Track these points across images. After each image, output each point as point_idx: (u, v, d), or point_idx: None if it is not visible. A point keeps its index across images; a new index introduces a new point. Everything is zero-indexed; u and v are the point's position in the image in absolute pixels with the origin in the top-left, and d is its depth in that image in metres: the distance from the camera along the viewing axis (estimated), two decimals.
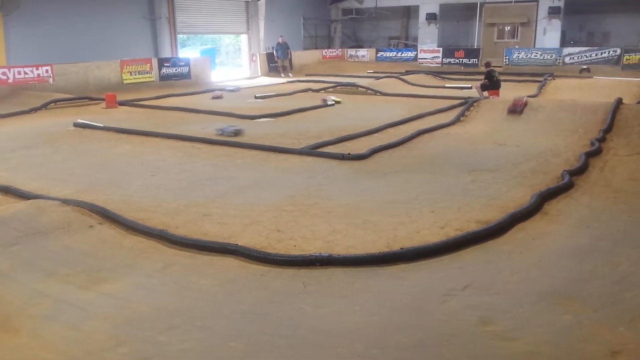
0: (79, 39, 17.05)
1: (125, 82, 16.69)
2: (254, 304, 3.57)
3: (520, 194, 5.77)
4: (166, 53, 19.68)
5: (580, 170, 6.53)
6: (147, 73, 17.41)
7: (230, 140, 8.72)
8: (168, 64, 18.13)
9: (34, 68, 14.75)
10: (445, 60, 23.43)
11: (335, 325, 3.24)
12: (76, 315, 3.38)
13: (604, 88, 14.89)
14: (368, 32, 29.45)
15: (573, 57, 20.91)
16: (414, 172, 6.90)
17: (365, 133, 9.20)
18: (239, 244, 4.45)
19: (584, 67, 17.99)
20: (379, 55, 25.60)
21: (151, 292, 3.75)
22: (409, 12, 27.70)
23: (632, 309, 3.25)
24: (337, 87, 16.65)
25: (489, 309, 3.37)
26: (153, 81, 17.45)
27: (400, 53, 25.33)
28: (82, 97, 13.97)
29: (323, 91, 15.97)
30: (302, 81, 19.03)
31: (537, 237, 4.64)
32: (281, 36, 22.25)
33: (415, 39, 26.48)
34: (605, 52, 20.45)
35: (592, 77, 17.77)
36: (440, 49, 23.97)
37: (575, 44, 22.68)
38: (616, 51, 20.20)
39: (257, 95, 14.94)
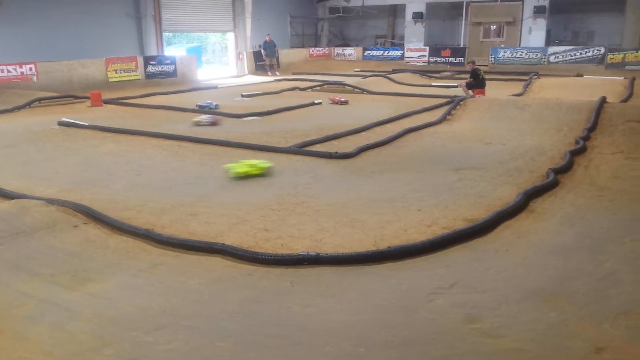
0: (63, 36, 16.88)
1: (110, 80, 16.56)
2: (241, 304, 3.56)
3: (506, 192, 5.81)
4: (152, 51, 19.55)
5: (565, 169, 6.59)
6: (132, 71, 17.29)
7: (216, 139, 8.67)
8: (154, 62, 18.02)
9: (18, 66, 14.61)
10: (432, 59, 23.56)
11: (323, 324, 3.24)
12: (61, 316, 3.34)
13: (588, 87, 15.05)
14: (355, 30, 29.50)
15: (558, 56, 21.13)
16: (401, 170, 6.92)
17: (353, 132, 9.20)
18: (226, 243, 4.43)
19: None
20: (365, 53, 25.68)
21: (137, 292, 3.72)
22: (396, 11, 27.81)
23: (617, 306, 3.29)
24: (324, 86, 16.65)
25: (475, 306, 3.38)
26: (139, 79, 17.34)
27: (387, 52, 25.43)
28: (67, 96, 13.86)
29: (310, 89, 15.97)
30: (289, 79, 19.00)
31: (523, 235, 4.67)
32: (268, 34, 22.20)
33: (402, 38, 26.58)
34: (589, 51, 20.68)
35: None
36: (427, 47, 24.09)
37: (560, 43, 22.92)
38: (600, 50, 20.44)
39: (243, 93, 14.89)
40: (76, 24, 17.35)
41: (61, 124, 10.17)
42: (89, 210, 5.19)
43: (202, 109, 11.78)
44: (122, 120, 10.86)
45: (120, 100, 13.57)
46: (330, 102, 13.35)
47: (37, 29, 16.26)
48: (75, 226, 4.92)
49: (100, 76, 16.37)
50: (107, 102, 13.28)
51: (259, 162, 6.70)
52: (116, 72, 16.80)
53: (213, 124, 9.96)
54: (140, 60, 17.62)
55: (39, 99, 12.96)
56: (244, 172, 6.49)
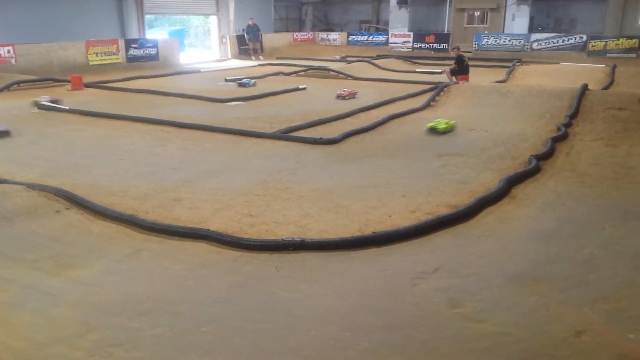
0: (42, 18, 16.53)
1: (91, 63, 16.31)
2: (226, 289, 3.56)
3: (489, 178, 5.86)
4: (133, 34, 19.26)
5: (546, 155, 6.67)
6: (113, 54, 17.04)
7: (200, 124, 8.60)
8: (135, 45, 17.76)
9: None
10: (416, 45, 23.54)
11: (308, 309, 3.26)
12: (44, 302, 3.31)
13: (570, 74, 15.18)
14: (339, 15, 29.34)
15: (541, 43, 21.25)
16: (385, 156, 6.94)
17: (337, 117, 9.20)
18: (211, 228, 4.42)
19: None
20: (350, 39, 25.59)
21: (121, 278, 3.70)
22: None
23: (596, 290, 3.36)
24: (308, 71, 16.57)
25: (458, 291, 3.43)
26: (120, 63, 17.11)
27: (371, 37, 25.33)
28: (46, 79, 13.61)
29: (294, 74, 15.87)
30: (273, 64, 18.88)
31: (505, 220, 4.73)
32: (251, 18, 21.97)
33: (386, 24, 26.49)
34: (571, 39, 20.84)
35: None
36: (411, 33, 24.05)
37: (542, 30, 23.05)
38: (582, 38, 20.60)
39: (227, 78, 14.76)
40: (55, 5, 16.99)
41: (41, 107, 9.99)
42: (71, 195, 5.13)
43: (241, 85, 13.50)
44: (104, 104, 10.71)
45: (101, 84, 13.37)
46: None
47: (15, 10, 15.92)
48: (57, 211, 4.86)
49: (81, 59, 16.09)
50: (88, 85, 13.07)
51: (450, 120, 8.40)
52: (97, 55, 16.54)
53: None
54: (122, 43, 17.36)
55: (18, 82, 12.72)
56: (442, 128, 8.10)
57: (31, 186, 5.32)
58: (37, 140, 7.87)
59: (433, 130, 8.12)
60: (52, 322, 3.10)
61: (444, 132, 8.06)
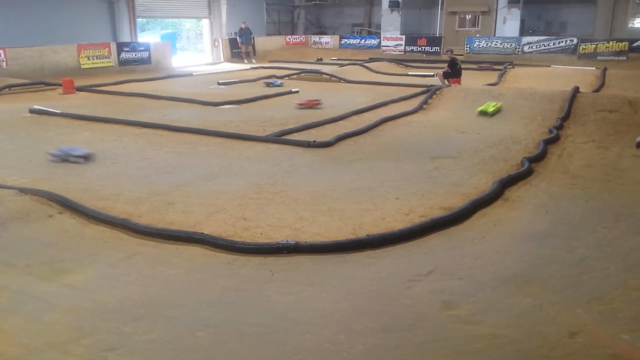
0: (34, 21, 16.46)
1: (82, 67, 16.25)
2: (220, 293, 3.55)
3: (482, 180, 5.89)
4: (125, 37, 19.20)
5: (539, 157, 6.72)
6: (105, 58, 16.98)
7: (193, 128, 8.58)
8: (127, 49, 17.72)
9: None
10: (408, 48, 23.63)
11: (303, 312, 3.26)
12: (37, 307, 3.29)
13: (561, 77, 15.28)
14: (331, 18, 29.39)
15: (532, 46, 21.39)
16: (378, 159, 6.95)
17: (330, 120, 9.21)
18: (205, 232, 4.41)
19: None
20: (342, 42, 25.64)
21: (115, 283, 3.69)
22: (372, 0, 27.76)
23: (589, 291, 3.38)
24: (301, 74, 16.58)
25: (452, 293, 3.44)
26: (112, 66, 17.05)
27: (363, 40, 25.39)
28: (38, 83, 13.51)
29: (286, 78, 15.87)
30: (266, 67, 18.88)
31: (498, 222, 4.76)
32: (244, 22, 21.98)
33: (379, 27, 26.55)
34: (562, 42, 20.98)
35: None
36: (403, 36, 24.13)
37: (533, 33, 23.18)
38: (573, 41, 20.74)
39: (220, 81, 14.75)
40: (47, 9, 16.91)
41: (33, 111, 9.94)
42: (64, 200, 5.10)
43: (269, 86, 13.60)
44: (96, 107, 10.68)
45: (93, 88, 13.31)
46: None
47: (6, 13, 15.82)
48: (50, 216, 4.84)
49: (72, 62, 16.02)
50: (79, 89, 13.02)
51: (499, 103, 9.19)
52: (88, 59, 16.47)
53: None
54: (114, 47, 17.30)
55: (9, 86, 12.62)
56: (492, 111, 8.94)
57: (23, 190, 5.29)
58: (29, 144, 7.80)
59: (483, 113, 9.03)
60: (45, 327, 3.08)
61: (494, 114, 8.93)
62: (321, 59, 22.04)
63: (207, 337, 2.99)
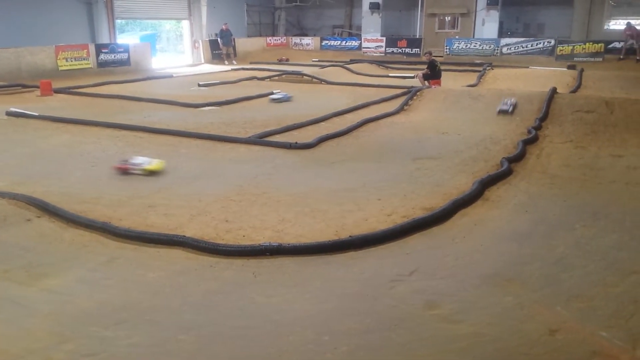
0: (10, 22, 16.19)
1: (60, 68, 16.01)
2: (203, 296, 3.53)
3: (462, 180, 5.95)
4: (104, 39, 18.97)
5: (518, 158, 6.80)
6: (83, 59, 16.76)
7: (174, 130, 8.52)
8: (106, 50, 17.52)
9: None
10: (389, 50, 23.76)
11: (287, 314, 3.25)
12: (16, 313, 3.23)
13: (540, 78, 15.50)
14: (312, 20, 29.42)
15: (510, 48, 21.66)
16: (360, 160, 6.98)
17: (312, 122, 9.21)
18: (187, 235, 4.38)
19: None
20: (323, 43, 25.68)
21: (95, 287, 3.64)
22: (353, 1, 27.86)
23: (569, 289, 3.43)
24: (282, 76, 16.55)
25: (434, 293, 3.47)
26: (90, 68, 16.84)
27: (344, 42, 25.46)
28: (15, 85, 13.32)
29: (268, 79, 15.84)
30: (247, 69, 18.82)
31: (479, 222, 4.80)
32: (225, 23, 21.88)
33: (359, 28, 26.65)
34: (540, 43, 21.27)
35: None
36: (384, 38, 24.25)
37: (512, 35, 23.48)
38: (550, 42, 21.05)
39: (200, 83, 14.66)
40: (24, 9, 16.65)
41: (10, 114, 9.77)
42: (43, 203, 5.03)
43: (277, 101, 11.92)
44: (74, 110, 10.52)
45: (72, 90, 13.13)
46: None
47: None
48: (28, 220, 4.76)
49: (50, 64, 15.79)
50: (57, 91, 12.84)
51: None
52: (66, 60, 16.25)
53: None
54: (92, 48, 17.09)
55: None
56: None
57: (1, 194, 5.20)
58: (6, 147, 7.68)
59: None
60: (25, 333, 3.02)
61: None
62: (287, 60, 22.28)
63: (189, 341, 2.97)
